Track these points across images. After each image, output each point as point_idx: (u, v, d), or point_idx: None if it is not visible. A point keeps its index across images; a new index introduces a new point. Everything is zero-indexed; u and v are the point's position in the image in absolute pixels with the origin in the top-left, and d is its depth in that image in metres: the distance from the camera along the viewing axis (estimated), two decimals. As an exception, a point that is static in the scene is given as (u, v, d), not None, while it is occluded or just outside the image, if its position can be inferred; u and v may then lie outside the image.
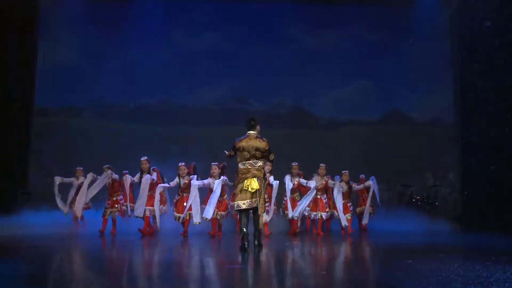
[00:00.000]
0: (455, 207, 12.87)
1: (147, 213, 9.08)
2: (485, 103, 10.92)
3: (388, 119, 14.35)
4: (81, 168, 10.16)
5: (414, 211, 11.92)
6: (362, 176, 10.51)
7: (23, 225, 9.33)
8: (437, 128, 13.97)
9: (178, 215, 8.90)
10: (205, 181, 8.93)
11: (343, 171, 10.18)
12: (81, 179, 9.91)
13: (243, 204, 6.62)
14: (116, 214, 9.38)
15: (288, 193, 9.43)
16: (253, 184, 6.59)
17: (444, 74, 13.58)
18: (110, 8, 13.66)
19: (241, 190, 6.67)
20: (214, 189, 8.65)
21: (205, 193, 9.11)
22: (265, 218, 8.71)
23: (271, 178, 9.02)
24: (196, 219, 8.69)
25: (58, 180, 9.97)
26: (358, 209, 10.49)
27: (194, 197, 8.72)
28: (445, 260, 5.23)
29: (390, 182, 12.90)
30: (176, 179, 9.09)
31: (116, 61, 13.73)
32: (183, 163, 9.12)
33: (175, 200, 9.18)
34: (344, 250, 7.22)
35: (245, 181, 6.62)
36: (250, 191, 6.59)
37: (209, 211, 8.48)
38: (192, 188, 8.77)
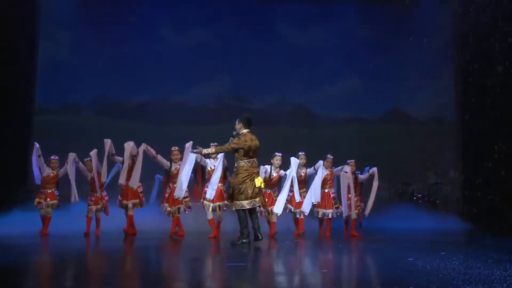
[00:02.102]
0: (456, 205, 12.85)
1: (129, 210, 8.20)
2: (486, 100, 10.89)
3: (389, 117, 14.33)
4: (57, 158, 8.96)
5: (415, 209, 11.90)
6: (368, 168, 10.14)
7: (22, 223, 9.25)
8: (438, 126, 13.94)
9: (169, 209, 8.20)
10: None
11: (349, 160, 9.13)
12: (57, 169, 8.84)
13: (247, 204, 6.72)
14: (100, 212, 8.66)
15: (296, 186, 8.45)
16: (259, 182, 6.76)
17: (445, 72, 13.55)
18: (111, 6, 13.66)
19: (251, 188, 6.71)
20: (216, 167, 7.98)
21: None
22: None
23: (282, 172, 8.56)
24: (177, 194, 7.86)
25: (39, 151, 8.78)
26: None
27: (186, 167, 7.88)
28: (446, 258, 5.21)
29: (391, 180, 12.89)
30: (168, 163, 8.33)
31: (117, 59, 13.75)
32: (177, 147, 8.39)
33: (166, 194, 8.38)
34: (345, 248, 7.20)
35: (255, 180, 6.75)
36: (259, 188, 6.75)
37: (212, 193, 7.88)
38: (184, 156, 7.91)
